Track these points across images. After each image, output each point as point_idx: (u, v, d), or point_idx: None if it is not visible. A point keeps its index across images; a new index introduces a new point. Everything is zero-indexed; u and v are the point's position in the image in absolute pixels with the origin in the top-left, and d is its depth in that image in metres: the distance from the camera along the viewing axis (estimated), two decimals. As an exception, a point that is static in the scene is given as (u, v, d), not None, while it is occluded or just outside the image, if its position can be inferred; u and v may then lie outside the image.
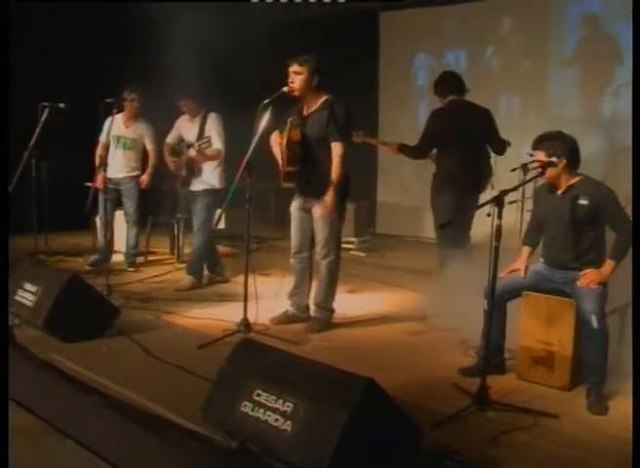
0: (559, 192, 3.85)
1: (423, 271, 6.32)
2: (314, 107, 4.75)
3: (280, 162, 4.81)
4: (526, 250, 4.08)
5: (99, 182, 6.44)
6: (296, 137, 4.67)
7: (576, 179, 3.82)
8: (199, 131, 5.99)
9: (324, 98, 4.73)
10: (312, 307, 5.04)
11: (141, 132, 6.72)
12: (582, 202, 3.75)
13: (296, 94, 4.69)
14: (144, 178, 6.79)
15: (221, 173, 6.01)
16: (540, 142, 3.80)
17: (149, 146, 6.79)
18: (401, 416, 2.79)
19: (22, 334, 4.40)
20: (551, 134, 3.82)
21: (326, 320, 4.96)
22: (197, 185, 6.02)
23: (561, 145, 3.74)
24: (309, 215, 4.87)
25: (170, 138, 6.28)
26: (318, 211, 4.78)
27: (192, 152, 5.88)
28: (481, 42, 8.35)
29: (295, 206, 4.98)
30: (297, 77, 4.64)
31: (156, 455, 2.89)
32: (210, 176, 5.98)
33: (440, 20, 8.55)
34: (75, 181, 7.07)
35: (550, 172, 3.76)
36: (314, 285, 5.05)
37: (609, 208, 3.73)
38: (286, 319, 5.05)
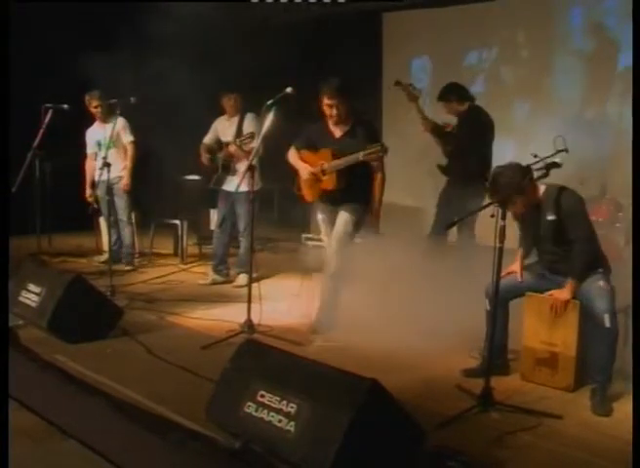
0: (529, 212, 3.82)
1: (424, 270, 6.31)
2: (345, 129, 4.89)
3: (307, 182, 5.00)
4: (521, 252, 4.07)
5: (89, 195, 6.76)
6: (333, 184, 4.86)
7: (539, 194, 3.78)
8: (237, 130, 6.06)
9: (351, 119, 4.89)
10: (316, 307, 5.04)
11: (116, 127, 6.57)
12: (550, 218, 3.74)
13: (336, 120, 4.84)
14: (124, 182, 6.75)
15: (260, 173, 5.99)
16: (496, 187, 3.65)
17: (126, 139, 6.74)
18: (404, 417, 2.79)
19: (26, 335, 4.40)
20: (499, 177, 3.68)
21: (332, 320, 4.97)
22: (235, 186, 6.01)
23: (516, 182, 3.60)
24: (334, 220, 5.04)
25: (207, 139, 6.37)
26: (344, 214, 4.93)
27: (232, 147, 5.97)
28: (485, 43, 8.32)
29: (322, 217, 5.16)
30: (339, 105, 4.76)
31: (160, 456, 2.89)
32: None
33: (445, 22, 8.52)
34: (78, 183, 7.08)
35: (518, 206, 3.71)
36: (320, 284, 5.08)
37: (570, 220, 3.71)
38: None
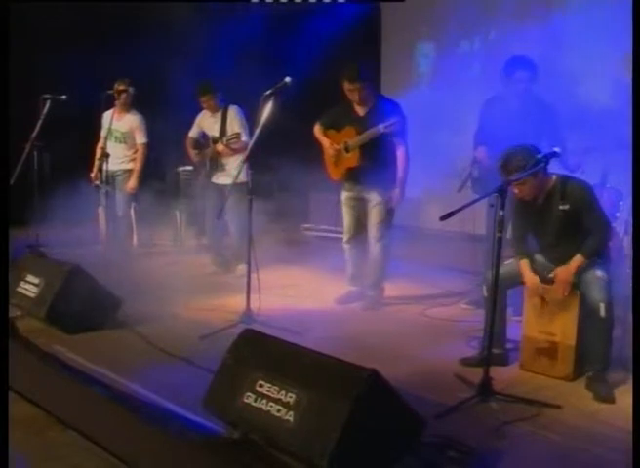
0: (539, 201, 3.79)
1: (424, 261, 6.32)
2: (368, 108, 5.07)
3: (331, 158, 5.18)
4: (525, 263, 3.93)
5: (94, 176, 6.48)
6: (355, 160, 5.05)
7: (550, 183, 3.75)
8: (221, 124, 6.03)
9: (374, 98, 5.09)
10: (366, 287, 5.36)
11: (132, 124, 6.51)
12: (563, 207, 3.72)
13: (358, 102, 5.05)
14: (131, 185, 6.55)
15: (248, 166, 5.96)
16: (508, 167, 3.61)
17: (139, 140, 6.53)
18: (403, 407, 2.78)
19: (25, 326, 4.41)
20: (513, 154, 3.63)
21: (379, 298, 5.28)
22: (225, 179, 6.00)
23: (529, 160, 3.55)
24: (362, 203, 5.22)
25: (192, 133, 6.36)
26: (376, 197, 5.11)
27: (220, 147, 5.97)
28: (483, 27, 8.27)
29: (348, 195, 5.30)
30: (360, 89, 4.95)
31: (158, 446, 2.89)
32: (237, 170, 5.93)
33: (442, 6, 8.48)
34: (77, 173, 7.05)
35: (526, 189, 3.67)
36: (367, 266, 5.33)
37: (585, 211, 3.70)
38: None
